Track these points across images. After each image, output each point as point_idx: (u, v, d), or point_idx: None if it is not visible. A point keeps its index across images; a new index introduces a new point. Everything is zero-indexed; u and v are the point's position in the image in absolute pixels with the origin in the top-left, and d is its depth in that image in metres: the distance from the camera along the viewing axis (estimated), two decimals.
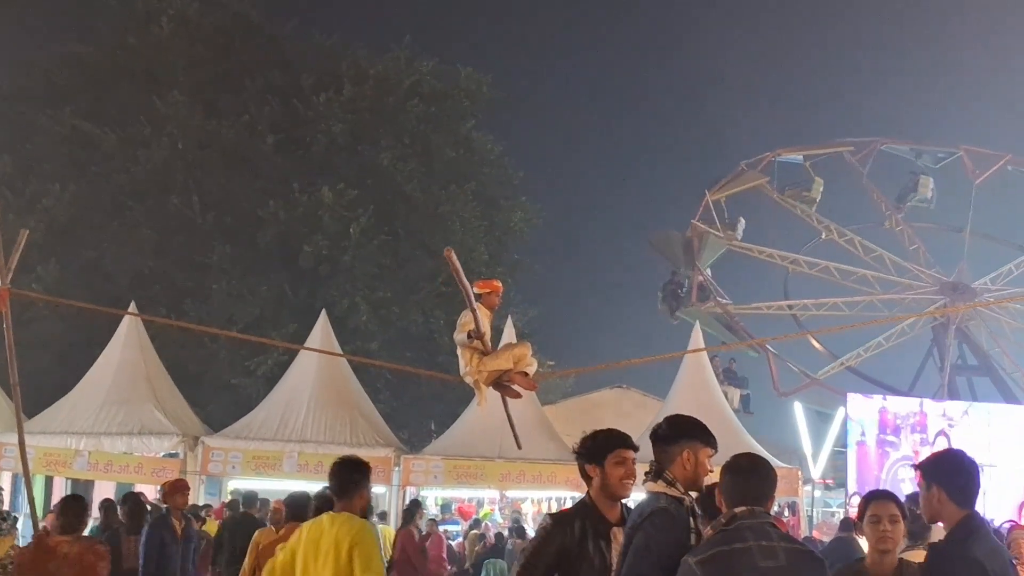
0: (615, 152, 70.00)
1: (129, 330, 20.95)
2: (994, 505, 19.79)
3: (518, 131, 47.99)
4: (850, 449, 23.89)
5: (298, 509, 9.38)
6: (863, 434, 23.81)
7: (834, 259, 34.29)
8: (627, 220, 63.30)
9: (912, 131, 45.66)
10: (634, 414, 23.32)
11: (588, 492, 5.10)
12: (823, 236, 34.95)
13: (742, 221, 33.54)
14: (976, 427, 23.79)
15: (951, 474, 4.60)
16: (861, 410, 24.41)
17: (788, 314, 32.71)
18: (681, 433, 4.65)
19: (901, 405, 25.26)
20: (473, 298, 9.30)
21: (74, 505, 8.27)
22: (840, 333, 35.13)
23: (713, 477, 4.59)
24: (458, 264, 9.09)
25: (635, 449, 5.08)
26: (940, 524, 4.60)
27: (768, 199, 34.31)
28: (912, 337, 34.59)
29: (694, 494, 4.64)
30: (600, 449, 5.04)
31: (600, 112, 72.70)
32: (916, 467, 4.75)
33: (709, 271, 32.78)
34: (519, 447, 11.90)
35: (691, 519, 4.50)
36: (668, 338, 33.13)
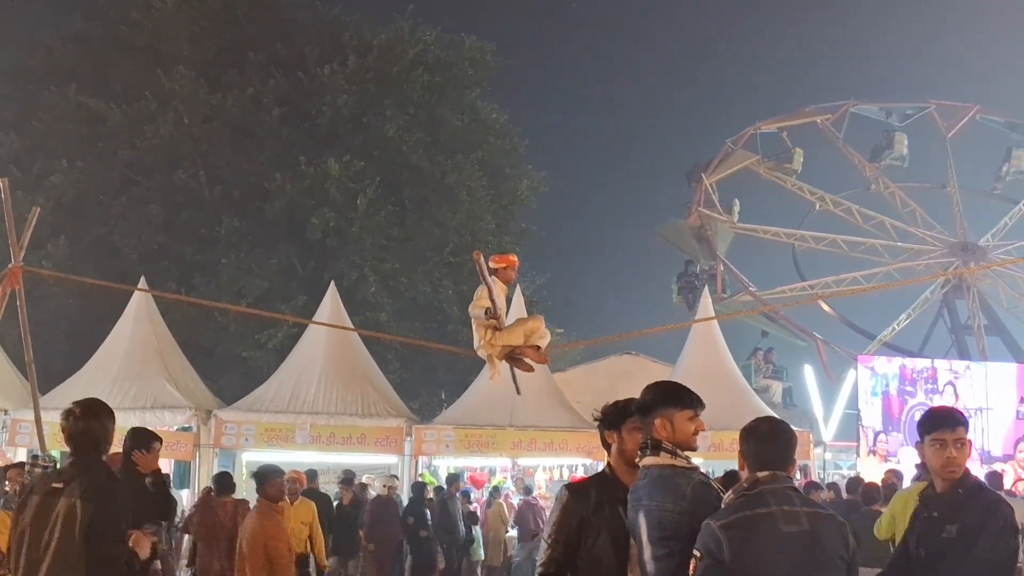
0: (620, 118, 69.82)
1: (139, 306, 21.03)
2: (989, 440, 24.94)
3: (523, 99, 48.01)
4: (876, 398, 25.08)
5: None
6: (887, 387, 25.32)
7: (836, 231, 34.37)
8: (633, 186, 63.31)
9: (878, 90, 45.69)
10: (644, 380, 23.19)
11: (608, 460, 5.12)
12: (817, 207, 34.97)
13: (737, 202, 33.61)
14: (976, 380, 25.95)
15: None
16: (885, 368, 25.92)
17: (810, 294, 32.66)
18: (651, 405, 4.65)
19: (916, 363, 26.69)
20: (490, 280, 9.28)
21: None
22: (872, 313, 35.80)
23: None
24: (484, 266, 9.10)
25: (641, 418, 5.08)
26: None
27: (754, 176, 34.39)
28: (932, 303, 34.70)
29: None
30: (619, 416, 5.04)
31: (603, 77, 72.50)
32: (959, 423, 4.83)
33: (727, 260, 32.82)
34: (518, 392, 11.78)
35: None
36: (679, 306, 33.19)
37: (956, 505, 4.63)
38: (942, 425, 4.85)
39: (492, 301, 9.29)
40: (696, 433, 4.59)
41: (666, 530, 4.30)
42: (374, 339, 23.10)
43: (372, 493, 18.35)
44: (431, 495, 18.67)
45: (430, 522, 17.80)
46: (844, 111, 35.73)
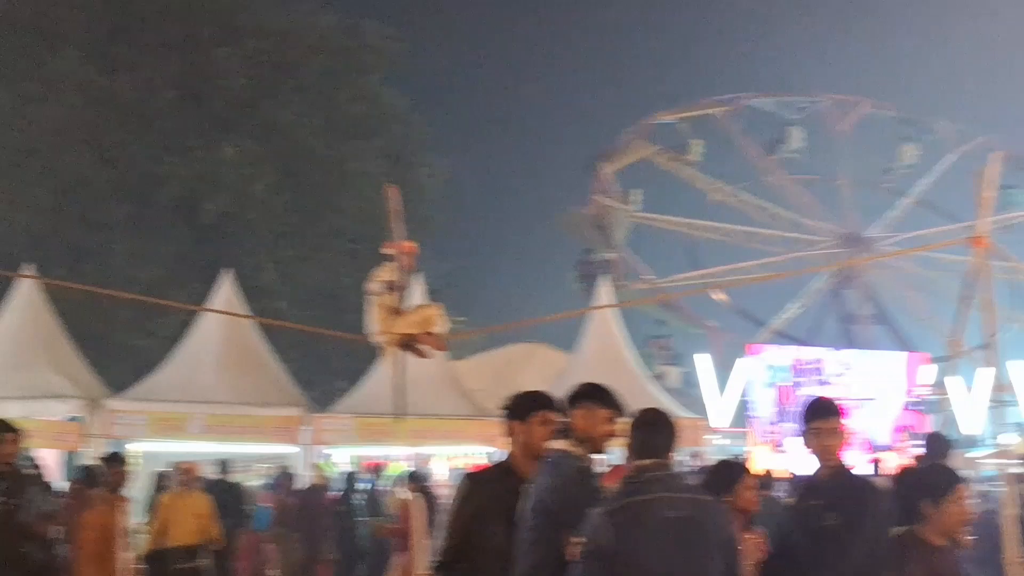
0: (524, 107, 69.94)
1: (25, 292, 20.38)
2: (875, 429, 25.77)
3: (427, 87, 47.70)
4: (769, 389, 25.84)
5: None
6: (780, 377, 26.12)
7: (732, 221, 34.99)
8: (536, 174, 63.50)
9: (774, 83, 46.66)
10: (542, 368, 23.42)
11: (511, 450, 5.11)
12: (713, 198, 35.56)
13: (636, 191, 33.96)
14: (864, 370, 26.87)
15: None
16: (778, 359, 26.71)
17: (705, 282, 33.19)
18: (577, 396, 4.80)
19: (808, 353, 27.54)
20: (396, 241, 9.24)
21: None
22: (765, 302, 36.48)
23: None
24: (397, 201, 9.04)
25: (561, 413, 5.09)
26: None
27: (653, 166, 34.82)
28: (822, 293, 35.54)
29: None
30: (527, 407, 5.05)
31: (507, 66, 72.48)
32: (831, 412, 4.89)
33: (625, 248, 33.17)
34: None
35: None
36: (578, 294, 33.40)
37: (836, 494, 4.71)
38: (818, 415, 4.96)
39: (393, 272, 9.22)
40: (609, 436, 4.70)
41: (538, 508, 4.42)
42: (271, 327, 22.79)
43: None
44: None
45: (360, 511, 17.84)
46: (741, 103, 36.31)
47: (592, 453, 4.72)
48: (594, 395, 4.79)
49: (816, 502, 4.81)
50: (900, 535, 4.37)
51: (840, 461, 4.81)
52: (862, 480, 4.91)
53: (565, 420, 4.76)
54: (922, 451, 9.34)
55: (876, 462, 14.79)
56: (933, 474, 4.49)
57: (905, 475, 4.57)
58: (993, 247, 13.48)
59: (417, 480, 14.18)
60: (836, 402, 5.10)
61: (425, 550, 10.92)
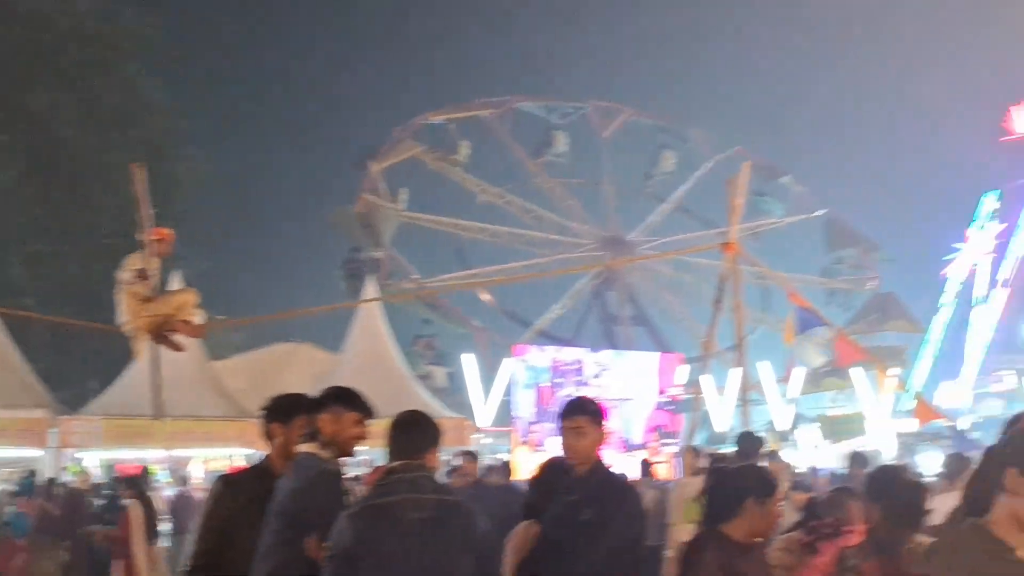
0: (295, 103, 68.95)
1: None
2: (631, 428, 26.72)
3: (194, 80, 46.37)
4: (529, 390, 26.25)
5: None
6: (540, 378, 26.58)
7: (499, 222, 35.46)
8: (306, 172, 62.63)
9: (541, 87, 47.90)
10: (307, 368, 23.08)
11: (269, 452, 5.02)
12: (481, 199, 35.99)
13: (404, 190, 33.97)
14: (621, 370, 27.74)
15: (604, 417, 4.98)
16: (538, 360, 27.14)
17: (472, 282, 33.44)
18: (324, 400, 4.78)
19: (567, 355, 28.10)
20: (147, 227, 8.91)
21: None
22: (529, 302, 37.39)
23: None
24: (143, 180, 8.69)
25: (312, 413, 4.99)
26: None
27: (422, 166, 34.98)
28: (585, 294, 36.42)
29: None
30: (290, 410, 4.98)
31: (278, 61, 71.30)
32: (581, 411, 4.94)
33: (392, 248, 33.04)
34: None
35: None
36: (345, 293, 33.06)
37: (593, 490, 4.78)
38: (564, 414, 5.03)
39: (146, 260, 8.90)
40: (356, 439, 4.72)
41: (279, 510, 4.41)
42: (19, 325, 21.60)
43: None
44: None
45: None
46: (509, 107, 36.83)
47: (340, 456, 4.70)
48: (342, 398, 4.77)
49: (574, 498, 4.88)
50: (702, 532, 4.43)
51: (597, 458, 4.88)
52: (618, 477, 5.02)
53: (312, 423, 4.71)
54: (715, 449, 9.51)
55: (647, 462, 15.19)
56: (758, 473, 4.56)
57: (724, 472, 4.62)
58: (744, 252, 14.09)
59: (134, 486, 13.59)
60: (592, 402, 5.16)
61: (144, 556, 10.58)
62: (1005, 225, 57.36)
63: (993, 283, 57.28)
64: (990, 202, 58.98)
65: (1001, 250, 57.50)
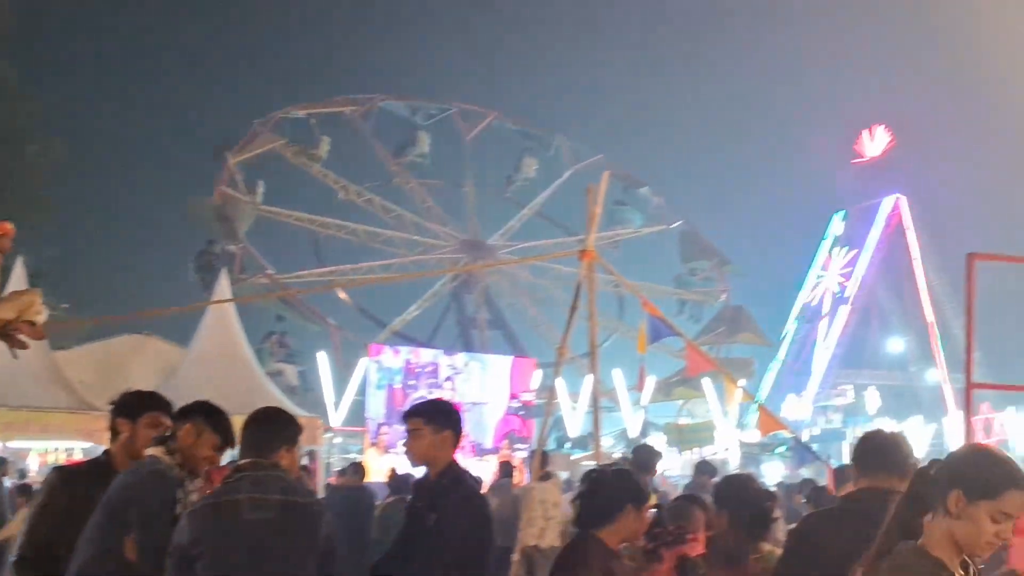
0: (155, 89, 67.25)
1: None
2: (483, 433, 26.80)
3: (45, 61, 44.86)
4: (381, 391, 26.42)
5: None
6: (392, 379, 26.76)
7: (358, 220, 35.21)
8: (162, 160, 61.19)
9: (408, 88, 47.92)
10: (154, 361, 22.48)
11: (110, 447, 4.88)
12: (340, 196, 35.69)
13: (261, 184, 33.45)
14: (474, 374, 28.04)
15: (458, 420, 4.86)
16: (392, 361, 27.31)
17: (328, 280, 33.10)
18: (184, 411, 4.65)
19: (421, 356, 28.24)
20: None
21: None
22: (386, 302, 37.29)
23: None
24: None
25: (174, 418, 4.85)
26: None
27: (281, 160, 34.55)
28: (442, 296, 36.38)
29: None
30: (138, 406, 4.86)
31: (137, 45, 69.46)
32: (415, 413, 4.84)
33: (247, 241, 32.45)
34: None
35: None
36: (197, 286, 32.34)
37: (437, 495, 4.72)
38: (404, 416, 4.97)
39: None
40: (208, 462, 4.60)
41: (105, 505, 4.30)
42: None
43: None
44: None
45: None
46: (373, 105, 36.60)
47: (185, 469, 4.52)
48: (210, 417, 4.62)
49: (421, 503, 4.82)
50: (579, 536, 4.38)
51: (447, 463, 4.80)
52: (464, 482, 4.91)
53: (170, 427, 4.61)
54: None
55: (508, 464, 15.18)
56: (635, 480, 4.53)
57: (603, 477, 4.56)
58: (600, 260, 14.21)
59: None
60: (432, 403, 5.09)
61: None
62: (855, 252, 59.45)
63: (839, 300, 59.29)
64: (838, 222, 61.12)
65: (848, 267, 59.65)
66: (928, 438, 38.77)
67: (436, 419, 4.80)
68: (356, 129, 36.47)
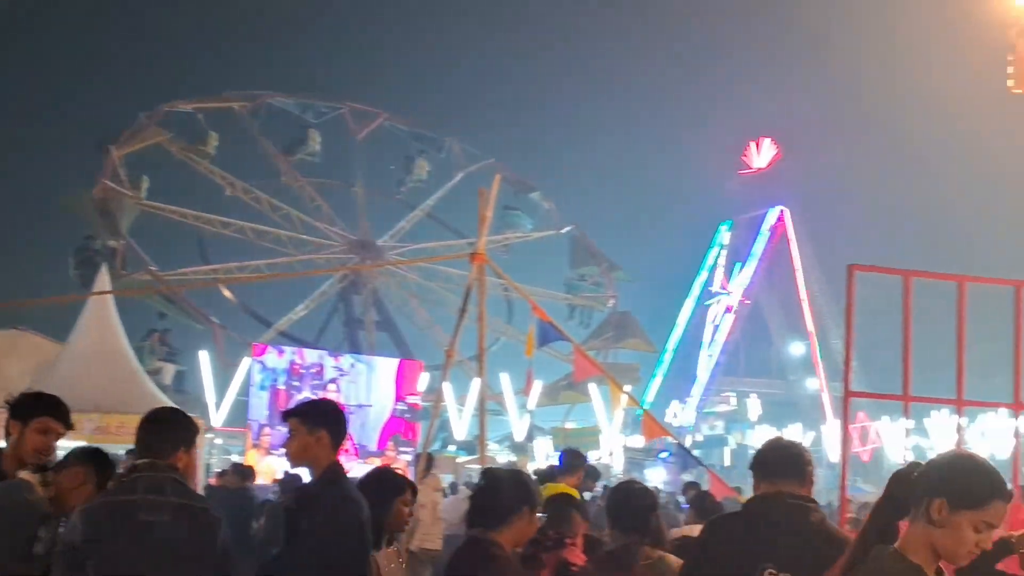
0: (39, 78, 65.42)
1: None
2: (367, 435, 26.58)
3: None
4: (265, 392, 25.97)
5: None
6: (276, 380, 26.31)
7: (245, 218, 34.73)
8: (44, 151, 59.61)
9: (300, 86, 47.59)
10: (31, 357, 21.81)
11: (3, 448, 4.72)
12: (228, 193, 35.17)
13: (146, 179, 32.76)
14: (360, 375, 27.66)
15: (337, 420, 4.68)
16: (276, 362, 26.89)
17: (213, 277, 32.55)
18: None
19: (306, 357, 27.82)
20: None
21: None
22: (272, 302, 36.98)
23: None
24: None
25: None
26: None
27: (167, 155, 33.93)
28: (330, 296, 36.08)
29: None
30: (30, 409, 4.67)
31: (21, 28, 67.50)
32: (290, 413, 4.73)
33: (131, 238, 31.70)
34: None
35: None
36: (76, 282, 31.45)
37: (311, 498, 4.62)
38: (282, 418, 4.87)
39: None
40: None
41: None
42: None
43: None
44: None
45: None
46: (262, 101, 36.12)
47: (54, 505, 4.35)
48: (101, 468, 4.52)
49: (296, 506, 4.71)
50: (473, 537, 4.28)
51: (326, 465, 4.69)
52: (337, 485, 4.79)
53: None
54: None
55: (388, 467, 15.00)
56: (531, 482, 4.44)
57: (500, 478, 4.45)
58: (491, 263, 14.18)
59: None
60: (311, 404, 4.96)
61: None
62: (741, 261, 60.59)
63: (724, 309, 60.41)
64: (724, 231, 62.28)
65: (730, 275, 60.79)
66: (807, 445, 39.65)
67: (311, 419, 4.66)
68: (245, 125, 35.90)
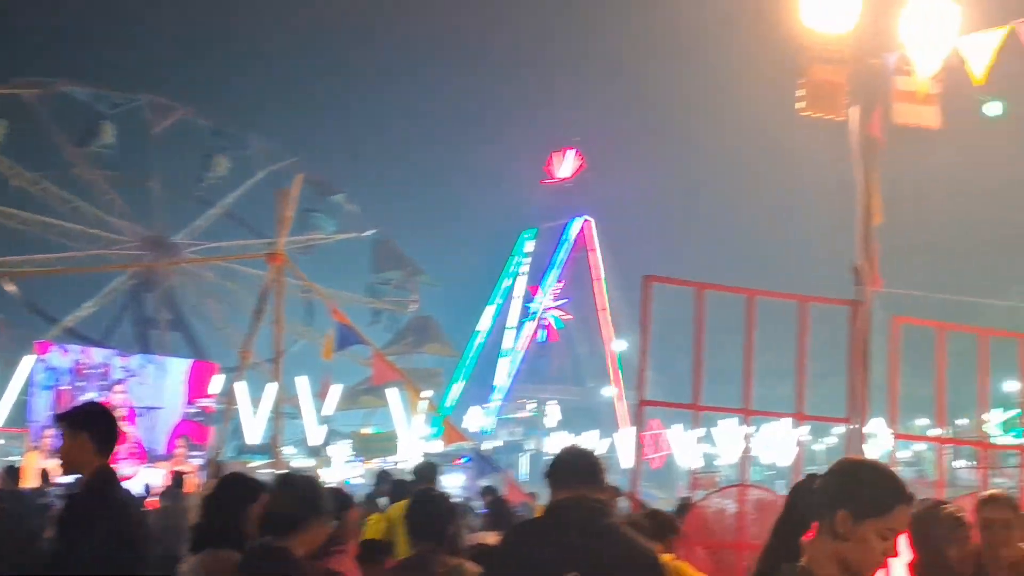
0: None
1: None
2: (156, 438, 25.63)
3: None
4: (47, 392, 24.84)
5: None
6: (59, 380, 25.10)
7: (31, 210, 33.36)
8: None
9: (95, 76, 46.04)
10: None
11: None
12: (13, 183, 33.69)
13: None
14: (150, 376, 26.66)
15: (99, 423, 4.49)
16: (60, 361, 25.61)
17: None
18: None
19: (93, 357, 26.64)
20: None
21: None
22: (58, 297, 35.38)
23: None
24: None
25: None
26: None
27: None
28: (121, 294, 34.97)
29: None
30: None
31: None
32: (60, 417, 4.49)
33: None
34: None
35: None
36: None
37: (75, 506, 4.40)
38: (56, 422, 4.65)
39: None
40: None
41: None
42: None
43: None
44: None
45: None
46: (55, 89, 34.63)
47: None
48: None
49: (64, 513, 4.47)
50: (262, 544, 4.08)
51: (93, 471, 4.44)
52: (103, 492, 4.54)
53: None
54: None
55: (179, 474, 14.52)
56: (323, 489, 4.27)
57: (294, 483, 4.26)
58: (289, 264, 13.92)
59: None
60: (82, 408, 4.71)
61: None
62: (543, 269, 61.48)
63: (525, 316, 61.18)
64: (528, 240, 63.11)
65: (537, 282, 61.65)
66: (602, 452, 40.52)
67: (73, 422, 4.44)
68: (34, 113, 34.32)
